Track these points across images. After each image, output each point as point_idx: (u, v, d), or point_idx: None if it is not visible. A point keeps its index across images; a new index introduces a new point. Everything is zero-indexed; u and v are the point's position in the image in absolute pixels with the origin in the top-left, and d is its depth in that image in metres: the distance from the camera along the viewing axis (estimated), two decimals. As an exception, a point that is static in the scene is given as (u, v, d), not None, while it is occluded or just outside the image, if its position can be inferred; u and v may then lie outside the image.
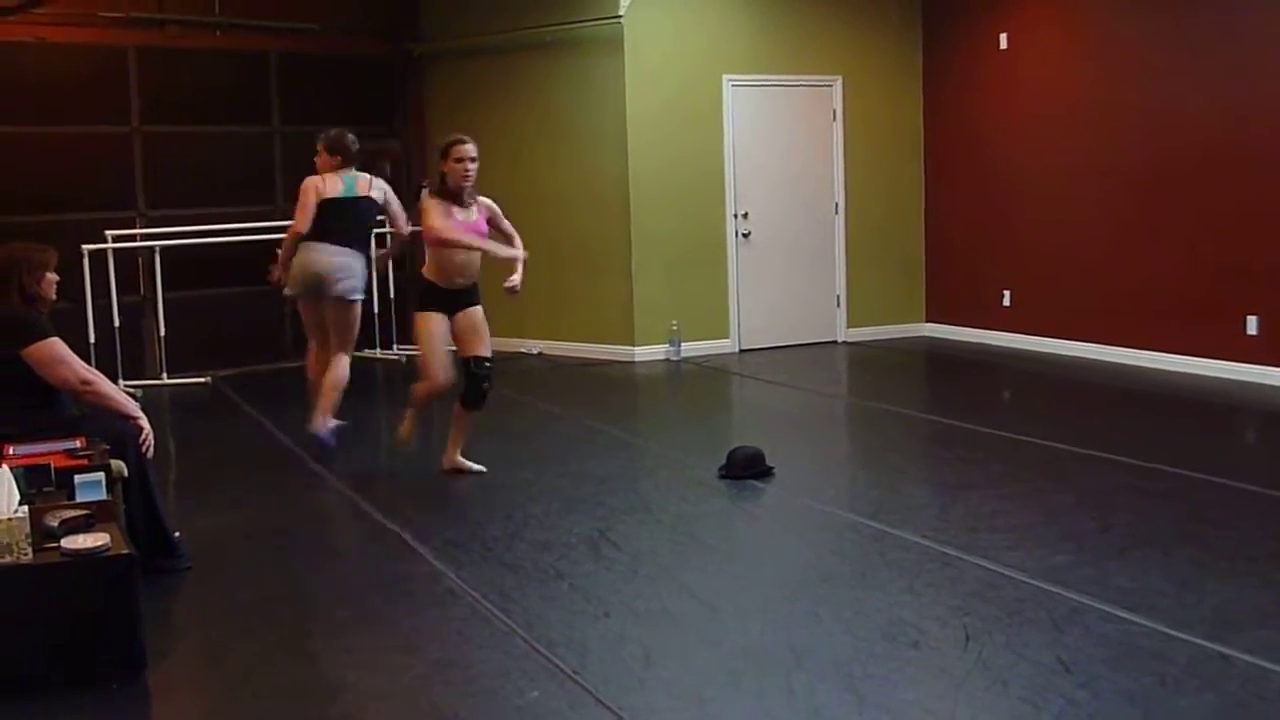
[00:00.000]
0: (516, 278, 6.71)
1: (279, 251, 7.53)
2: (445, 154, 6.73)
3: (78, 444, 4.86)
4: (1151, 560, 5.08)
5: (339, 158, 7.49)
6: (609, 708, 3.80)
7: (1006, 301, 11.02)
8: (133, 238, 10.37)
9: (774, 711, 3.75)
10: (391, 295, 11.46)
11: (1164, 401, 8.59)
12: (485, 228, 6.82)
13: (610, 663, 4.18)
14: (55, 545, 4.11)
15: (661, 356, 10.80)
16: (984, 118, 11.11)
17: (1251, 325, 8.95)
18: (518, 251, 6.74)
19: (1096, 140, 10.00)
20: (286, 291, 7.58)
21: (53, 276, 5.17)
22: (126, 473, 4.95)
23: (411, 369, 10.81)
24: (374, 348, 11.33)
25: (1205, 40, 9.14)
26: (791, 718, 3.70)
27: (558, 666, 4.13)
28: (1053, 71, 10.41)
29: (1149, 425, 7.91)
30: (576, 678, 4.03)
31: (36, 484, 4.50)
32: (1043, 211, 10.56)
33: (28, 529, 4.02)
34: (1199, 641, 4.17)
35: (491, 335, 11.36)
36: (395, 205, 7.73)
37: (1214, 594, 4.67)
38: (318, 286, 7.37)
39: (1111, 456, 6.85)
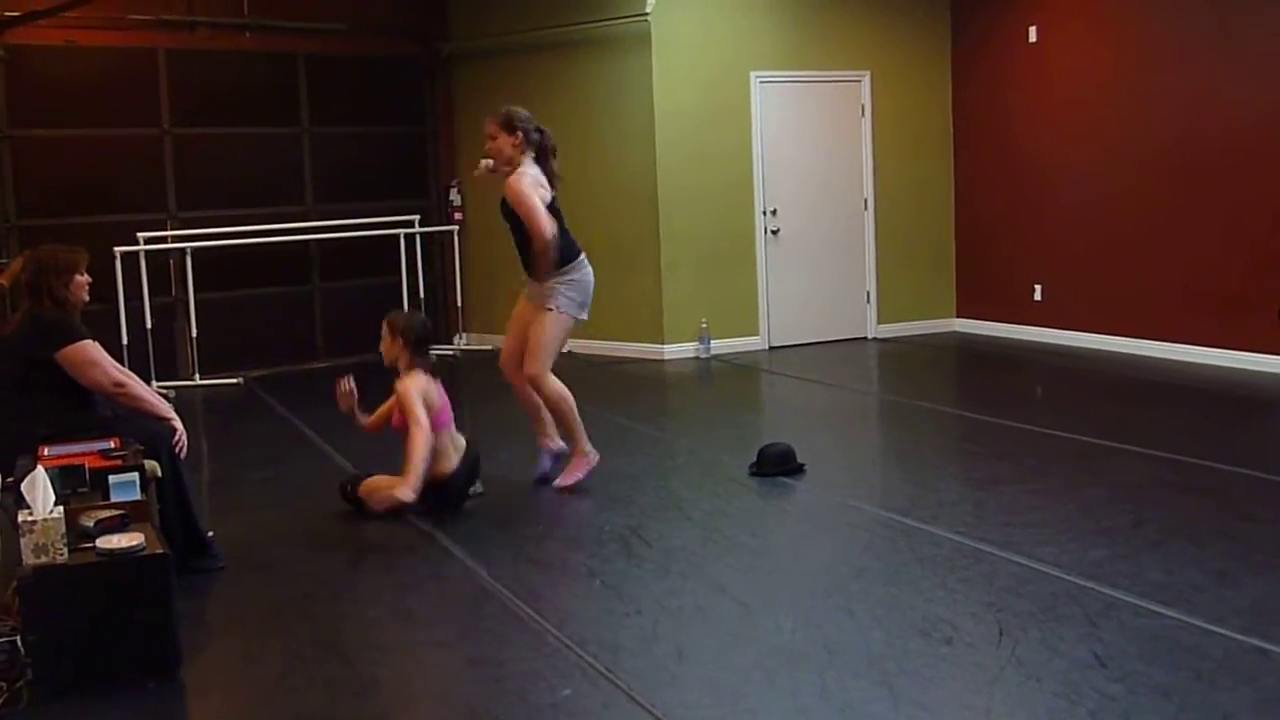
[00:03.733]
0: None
1: None
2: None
3: (112, 445, 4.88)
4: (1186, 554, 5.05)
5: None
6: (642, 705, 3.80)
7: (1038, 296, 10.97)
8: (164, 239, 10.42)
9: (808, 708, 3.74)
10: (421, 294, 11.50)
11: (1198, 395, 8.53)
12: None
13: (643, 660, 4.18)
14: (90, 545, 4.14)
15: (691, 354, 10.79)
16: (1014, 112, 11.06)
17: (1286, 318, 8.89)
18: None
19: (1128, 133, 9.95)
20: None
21: (83, 278, 5.19)
22: (160, 473, 4.98)
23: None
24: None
25: (1236, 29, 9.07)
26: (825, 714, 3.69)
27: (590, 664, 4.13)
28: (1083, 64, 10.35)
29: (1183, 419, 7.87)
30: (609, 675, 4.03)
31: (71, 485, 4.53)
32: (1074, 205, 10.51)
33: (63, 529, 4.05)
34: (1235, 636, 4.15)
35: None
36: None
37: (1250, 588, 4.64)
38: None
39: (1145, 451, 6.81)
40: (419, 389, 5.87)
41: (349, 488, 6.17)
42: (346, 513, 6.34)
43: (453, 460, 6.01)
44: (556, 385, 6.45)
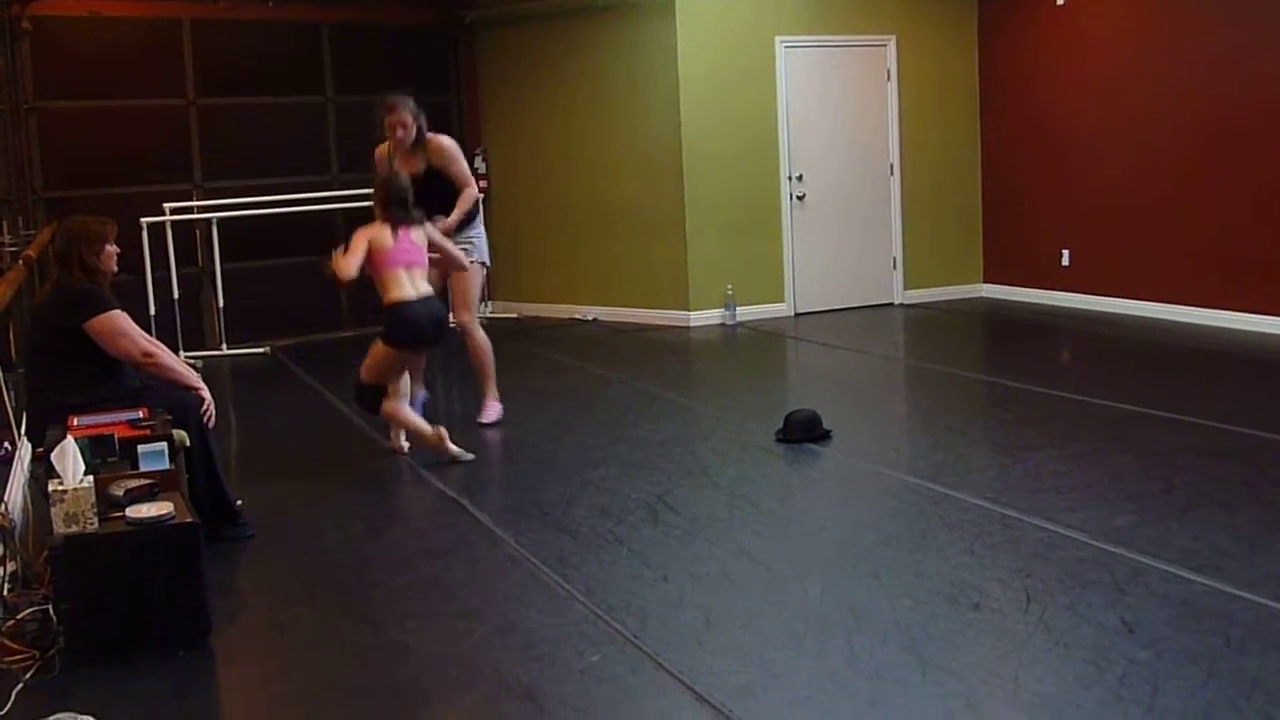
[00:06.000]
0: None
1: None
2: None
3: (140, 414, 4.90)
4: (1215, 520, 5.02)
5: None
6: (669, 671, 3.81)
7: (1065, 261, 10.91)
8: (190, 210, 10.45)
9: (835, 673, 3.74)
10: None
11: (1228, 360, 8.48)
12: None
13: (670, 626, 4.19)
14: (120, 514, 4.17)
15: (717, 321, 10.78)
16: (1040, 74, 10.97)
17: (1317, 281, 8.82)
18: None
19: (1156, 95, 9.86)
20: None
21: (112, 249, 5.21)
22: (189, 442, 5.01)
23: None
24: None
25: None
26: (853, 680, 3.70)
27: (618, 630, 4.15)
28: (1110, 26, 10.25)
29: (1212, 385, 7.82)
30: (636, 641, 4.04)
31: (101, 454, 4.55)
32: (1102, 169, 10.43)
33: (93, 498, 4.07)
34: (1265, 602, 4.13)
35: (546, 301, 11.47)
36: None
37: (1280, 553, 4.62)
38: None
39: (1174, 416, 6.77)
40: (368, 233, 6.36)
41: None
42: (374, 481, 6.38)
43: (407, 292, 6.32)
44: (484, 334, 7.38)
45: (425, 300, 6.39)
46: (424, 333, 6.41)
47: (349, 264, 6.23)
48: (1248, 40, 9.09)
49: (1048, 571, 4.51)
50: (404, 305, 6.30)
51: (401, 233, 6.39)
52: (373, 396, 6.55)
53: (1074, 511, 5.19)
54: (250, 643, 4.36)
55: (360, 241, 6.31)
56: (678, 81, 10.49)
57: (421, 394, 7.34)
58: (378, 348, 6.45)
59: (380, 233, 6.37)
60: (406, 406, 6.68)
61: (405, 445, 6.77)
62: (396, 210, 6.42)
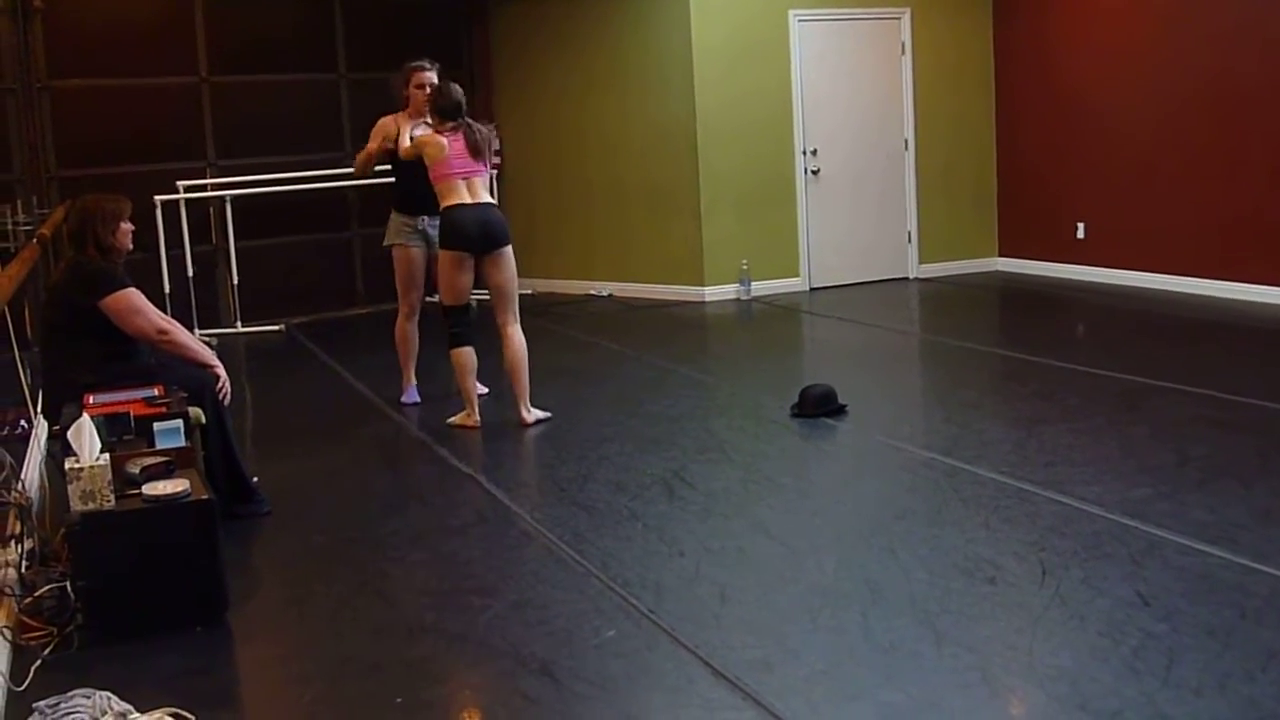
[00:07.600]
0: None
1: None
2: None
3: (156, 392, 4.92)
4: (1231, 492, 5.01)
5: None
6: (686, 646, 3.81)
7: (1080, 234, 10.86)
8: (204, 188, 10.46)
9: (851, 647, 3.75)
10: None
11: (1244, 333, 8.45)
12: None
13: (686, 601, 4.19)
14: (137, 492, 4.18)
15: (732, 296, 10.76)
16: (1056, 47, 10.90)
17: (1334, 253, 8.76)
18: None
19: (1172, 67, 9.79)
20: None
21: (127, 226, 5.22)
22: (204, 420, 5.02)
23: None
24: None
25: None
26: (869, 654, 3.70)
27: (634, 606, 4.15)
28: (1126, -3, 10.20)
29: (1228, 357, 7.79)
30: (653, 617, 4.05)
31: (117, 432, 4.57)
32: (1117, 141, 10.38)
33: (110, 476, 4.09)
34: (1281, 574, 4.13)
35: (561, 277, 11.45)
36: None
37: (1297, 526, 4.61)
38: None
39: (1189, 389, 6.75)
40: (421, 139, 6.73)
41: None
42: (389, 458, 6.40)
43: (461, 198, 6.57)
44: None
45: (478, 206, 6.60)
46: (469, 236, 6.54)
47: (405, 146, 6.87)
48: (1264, 11, 9.02)
49: (1063, 545, 4.51)
50: (455, 209, 6.55)
51: (454, 143, 6.57)
52: (459, 323, 6.75)
53: (1089, 484, 5.18)
54: (267, 619, 4.37)
55: (403, 136, 6.89)
56: (691, 56, 10.45)
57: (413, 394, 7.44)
58: (441, 256, 6.70)
59: (435, 142, 6.60)
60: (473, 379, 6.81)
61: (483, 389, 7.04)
62: (449, 117, 6.63)
